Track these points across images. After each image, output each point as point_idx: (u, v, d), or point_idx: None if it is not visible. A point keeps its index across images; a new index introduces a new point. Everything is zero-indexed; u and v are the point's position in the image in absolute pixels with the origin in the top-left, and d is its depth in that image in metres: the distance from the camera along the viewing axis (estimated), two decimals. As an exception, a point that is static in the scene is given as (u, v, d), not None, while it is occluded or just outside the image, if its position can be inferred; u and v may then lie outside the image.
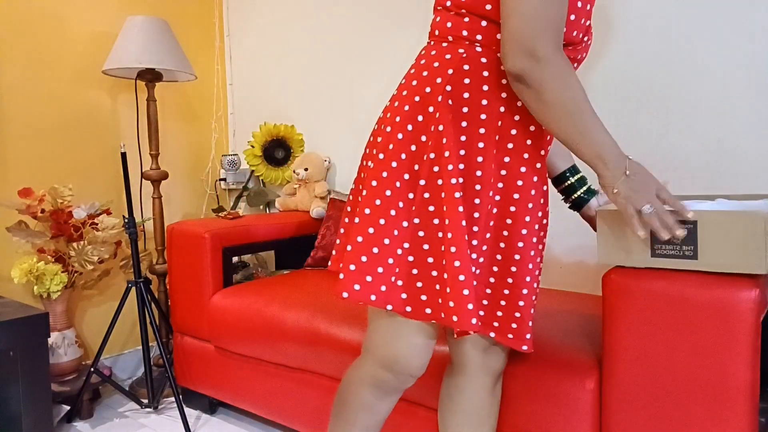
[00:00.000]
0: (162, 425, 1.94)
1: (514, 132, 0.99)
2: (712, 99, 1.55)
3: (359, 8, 2.28)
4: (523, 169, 1.00)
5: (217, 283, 1.91)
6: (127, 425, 1.95)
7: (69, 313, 2.05)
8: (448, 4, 1.00)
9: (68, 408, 1.92)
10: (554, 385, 1.19)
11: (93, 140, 2.24)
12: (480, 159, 0.97)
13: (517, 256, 1.01)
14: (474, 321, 0.94)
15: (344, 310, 1.60)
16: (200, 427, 1.94)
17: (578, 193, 1.24)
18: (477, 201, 0.97)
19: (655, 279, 1.04)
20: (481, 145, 0.97)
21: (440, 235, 0.97)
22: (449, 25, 1.00)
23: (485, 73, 0.97)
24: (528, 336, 1.03)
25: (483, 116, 0.97)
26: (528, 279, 1.02)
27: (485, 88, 0.97)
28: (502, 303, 1.04)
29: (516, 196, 1.00)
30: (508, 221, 1.01)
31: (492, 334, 1.05)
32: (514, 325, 1.03)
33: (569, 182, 1.25)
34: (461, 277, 0.94)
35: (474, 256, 0.99)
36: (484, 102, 0.96)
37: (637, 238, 1.05)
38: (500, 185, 1.00)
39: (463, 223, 0.95)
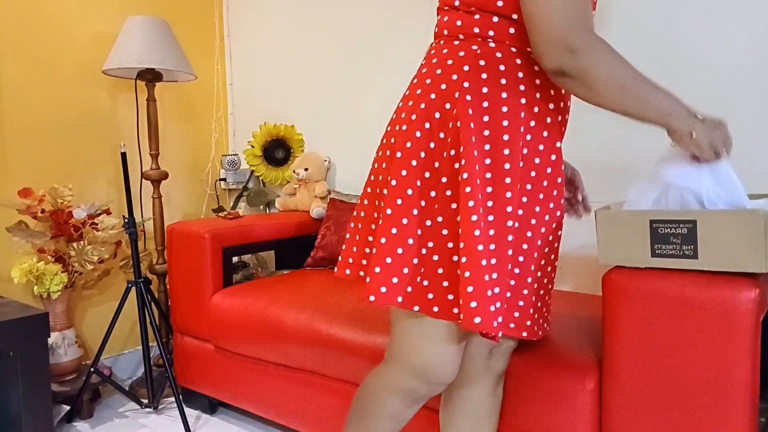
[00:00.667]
0: (162, 425, 1.94)
1: (532, 124, 0.99)
2: (712, 99, 1.55)
3: (359, 8, 2.28)
4: (537, 161, 1.00)
5: (217, 283, 1.91)
6: (127, 425, 1.95)
7: (69, 313, 2.05)
8: (457, 3, 1.00)
9: (68, 408, 1.92)
10: (554, 385, 1.18)
11: (93, 140, 2.24)
12: (507, 152, 0.96)
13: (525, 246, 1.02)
14: (495, 323, 0.92)
15: (344, 310, 1.60)
16: (200, 427, 1.94)
17: None
18: (508, 195, 0.96)
19: (655, 279, 1.04)
20: (506, 137, 0.96)
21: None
22: (459, 23, 1.00)
23: (501, 68, 0.97)
24: (528, 323, 1.04)
25: (504, 109, 0.96)
26: (532, 267, 1.02)
27: (503, 81, 0.96)
28: (508, 294, 1.02)
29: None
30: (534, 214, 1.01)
31: (524, 334, 1.04)
32: (516, 314, 1.03)
33: None
34: (486, 277, 0.92)
35: (510, 252, 0.97)
36: (504, 95, 0.96)
37: (637, 238, 1.04)
38: (533, 173, 1.00)
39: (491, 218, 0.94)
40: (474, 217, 0.92)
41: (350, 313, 1.57)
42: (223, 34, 2.72)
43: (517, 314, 1.02)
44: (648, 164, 1.64)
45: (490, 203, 0.95)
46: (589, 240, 1.77)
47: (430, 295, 0.98)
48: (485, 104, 0.96)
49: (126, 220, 1.96)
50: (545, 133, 1.00)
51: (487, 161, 0.96)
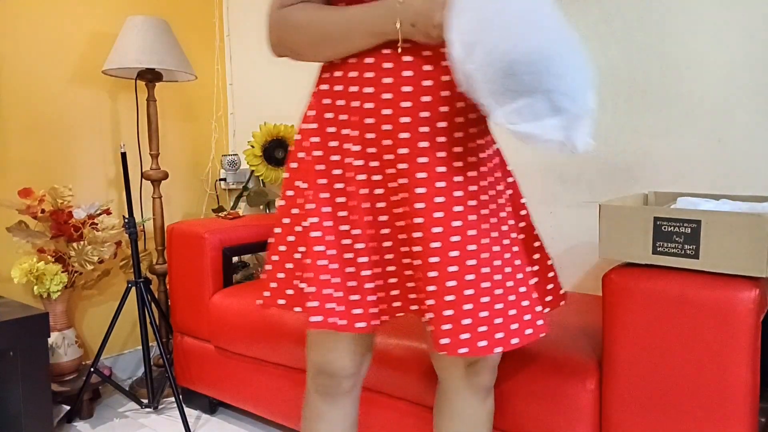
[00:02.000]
0: (162, 425, 1.94)
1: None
2: (712, 99, 1.55)
3: (359, 8, 2.28)
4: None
5: (217, 283, 1.91)
6: (127, 425, 1.95)
7: (69, 313, 2.05)
8: None
9: (68, 408, 1.92)
10: (554, 386, 1.18)
11: (93, 140, 2.24)
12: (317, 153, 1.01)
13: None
14: (337, 320, 0.94)
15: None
16: (200, 427, 1.93)
17: None
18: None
19: (656, 279, 1.04)
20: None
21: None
22: None
23: None
24: (461, 336, 0.90)
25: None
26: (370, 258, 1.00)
27: None
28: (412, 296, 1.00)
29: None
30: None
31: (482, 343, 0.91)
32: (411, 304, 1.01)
33: None
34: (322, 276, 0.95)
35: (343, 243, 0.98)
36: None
37: (640, 233, 1.04)
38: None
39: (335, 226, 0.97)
40: (306, 223, 0.97)
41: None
42: (223, 34, 2.72)
43: (406, 297, 0.99)
44: (648, 164, 1.64)
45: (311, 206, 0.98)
46: (589, 240, 1.77)
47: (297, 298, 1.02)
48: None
49: (126, 220, 1.96)
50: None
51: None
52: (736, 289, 0.97)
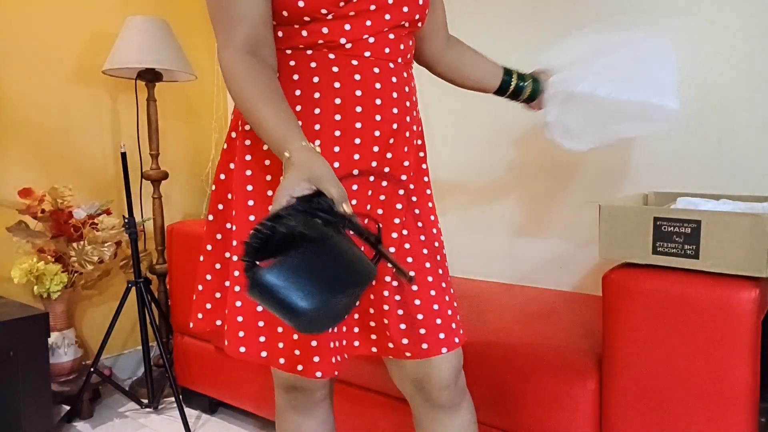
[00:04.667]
0: (162, 425, 1.94)
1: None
2: (712, 99, 1.55)
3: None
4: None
5: (217, 283, 1.91)
6: (127, 425, 1.95)
7: (69, 313, 2.05)
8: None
9: (68, 408, 1.92)
10: (555, 385, 1.18)
11: (93, 140, 2.23)
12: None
13: None
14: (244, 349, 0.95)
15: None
16: (200, 427, 1.93)
17: (523, 87, 1.21)
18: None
19: (656, 279, 1.04)
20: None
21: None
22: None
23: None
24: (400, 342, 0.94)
25: None
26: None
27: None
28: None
29: None
30: None
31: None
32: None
33: (513, 85, 1.21)
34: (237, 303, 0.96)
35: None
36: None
37: (639, 234, 1.04)
38: None
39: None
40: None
41: (350, 313, 1.57)
42: (223, 34, 2.72)
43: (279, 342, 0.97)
44: (648, 164, 1.64)
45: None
46: (589, 240, 1.77)
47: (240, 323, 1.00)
48: None
49: (126, 220, 1.96)
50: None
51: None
52: (736, 289, 0.97)
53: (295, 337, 0.93)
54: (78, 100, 2.18)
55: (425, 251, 0.99)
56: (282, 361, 0.95)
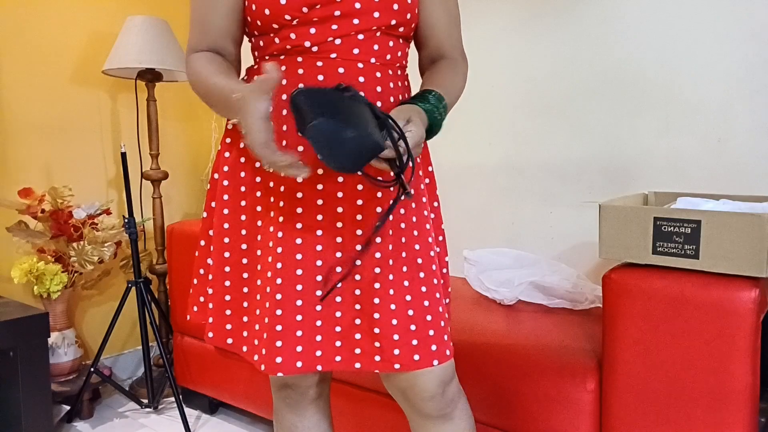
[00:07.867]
0: (162, 425, 1.94)
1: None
2: (712, 99, 1.55)
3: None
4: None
5: (217, 283, 1.91)
6: (127, 425, 1.95)
7: (69, 313, 2.05)
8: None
9: (68, 408, 1.92)
10: (555, 386, 1.18)
11: (93, 140, 2.24)
12: (225, 183, 1.04)
13: None
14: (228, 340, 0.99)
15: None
16: (200, 427, 1.93)
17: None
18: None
19: (655, 279, 1.04)
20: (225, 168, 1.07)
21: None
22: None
23: None
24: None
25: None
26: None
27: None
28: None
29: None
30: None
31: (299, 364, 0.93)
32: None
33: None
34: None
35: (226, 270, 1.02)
36: None
37: (639, 234, 1.04)
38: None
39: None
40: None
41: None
42: (223, 34, 2.72)
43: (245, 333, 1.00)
44: (648, 164, 1.64)
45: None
46: (589, 240, 1.77)
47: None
48: None
49: (126, 220, 1.96)
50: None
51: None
52: (736, 289, 0.97)
53: (257, 327, 0.95)
54: (78, 100, 2.19)
55: (402, 265, 0.93)
56: (245, 348, 0.99)
